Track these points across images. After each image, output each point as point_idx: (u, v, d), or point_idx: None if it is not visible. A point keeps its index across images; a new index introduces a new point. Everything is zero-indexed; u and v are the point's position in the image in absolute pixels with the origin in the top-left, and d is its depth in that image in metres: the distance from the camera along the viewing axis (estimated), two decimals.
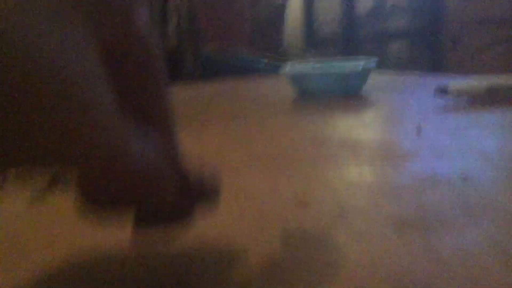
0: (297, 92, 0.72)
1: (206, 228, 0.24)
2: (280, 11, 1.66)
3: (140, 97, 0.19)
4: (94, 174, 0.17)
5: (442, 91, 0.58)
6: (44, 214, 0.29)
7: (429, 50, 2.59)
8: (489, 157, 0.34)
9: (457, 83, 0.57)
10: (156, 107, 0.20)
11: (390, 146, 0.39)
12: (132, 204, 0.20)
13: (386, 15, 2.80)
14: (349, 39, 2.58)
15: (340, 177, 0.32)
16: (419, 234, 0.22)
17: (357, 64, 0.68)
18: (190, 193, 0.21)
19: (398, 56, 2.66)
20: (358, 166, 0.34)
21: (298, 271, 0.20)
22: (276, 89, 0.82)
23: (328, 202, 0.28)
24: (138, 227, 0.21)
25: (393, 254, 0.20)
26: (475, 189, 0.27)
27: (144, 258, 0.22)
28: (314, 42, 2.58)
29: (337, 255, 0.21)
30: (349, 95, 0.68)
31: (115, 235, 0.24)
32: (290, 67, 0.72)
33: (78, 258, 0.23)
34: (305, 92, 0.70)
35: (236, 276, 0.20)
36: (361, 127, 0.48)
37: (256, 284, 0.19)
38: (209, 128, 0.52)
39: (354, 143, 0.41)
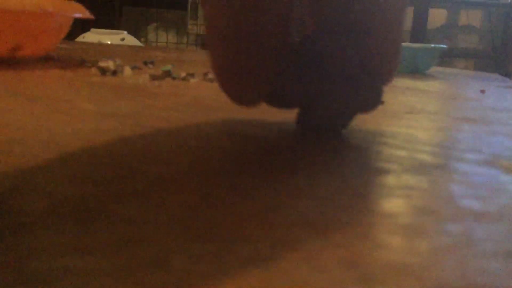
0: None
1: None
2: None
3: None
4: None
5: (504, 73, 0.64)
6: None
7: (495, 72, 2.59)
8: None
9: None
10: None
11: (445, 92, 0.47)
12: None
13: (456, 33, 2.82)
14: None
15: (400, 101, 0.41)
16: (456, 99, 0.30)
17: (428, 44, 0.75)
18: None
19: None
20: (415, 97, 0.43)
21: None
22: None
23: (397, 104, 0.36)
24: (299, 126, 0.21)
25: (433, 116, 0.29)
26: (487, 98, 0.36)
27: None
28: None
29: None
30: (417, 72, 0.75)
31: None
32: None
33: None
34: None
35: None
36: (428, 85, 0.56)
37: None
38: None
39: (420, 90, 0.49)
